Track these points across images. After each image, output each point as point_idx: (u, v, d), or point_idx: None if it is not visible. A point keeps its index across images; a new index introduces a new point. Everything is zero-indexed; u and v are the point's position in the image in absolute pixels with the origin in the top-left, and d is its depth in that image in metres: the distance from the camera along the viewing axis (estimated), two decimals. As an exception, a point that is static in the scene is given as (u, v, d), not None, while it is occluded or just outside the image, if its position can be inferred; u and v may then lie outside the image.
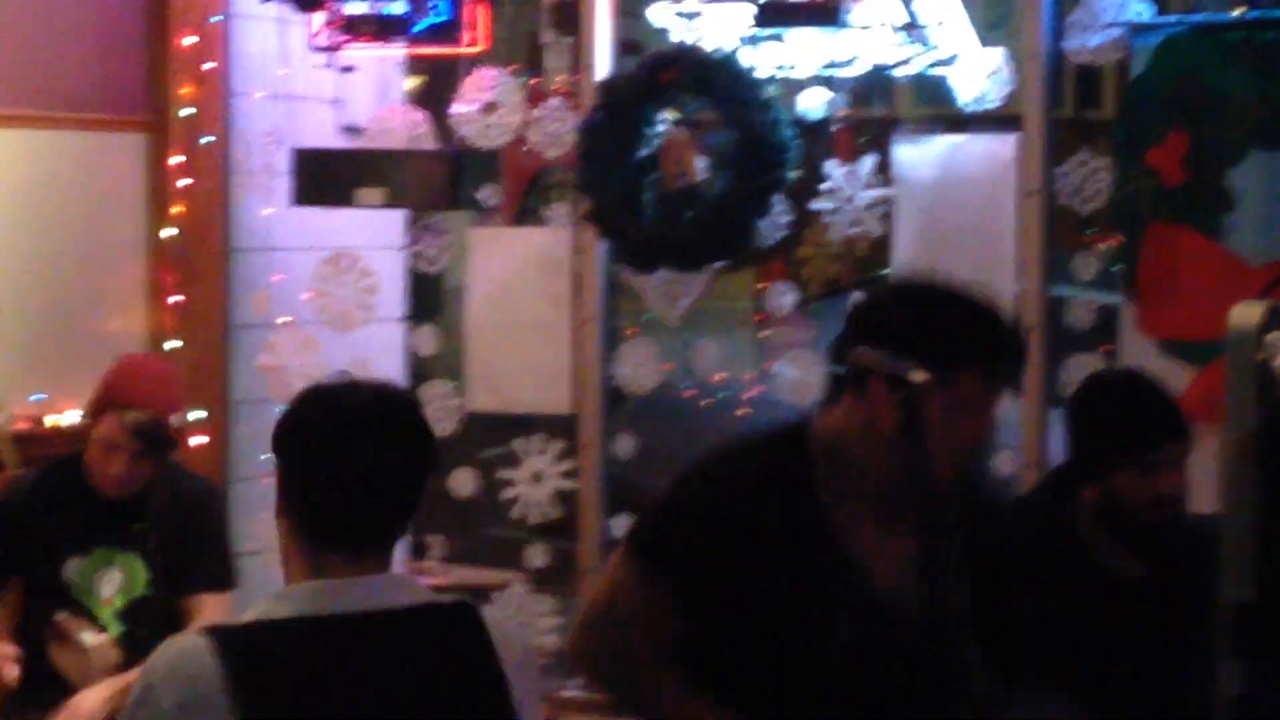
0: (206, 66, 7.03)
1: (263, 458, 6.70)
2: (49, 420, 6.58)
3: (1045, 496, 4.90)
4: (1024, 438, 6.17)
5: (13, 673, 5.23)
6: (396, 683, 3.23)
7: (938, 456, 3.61)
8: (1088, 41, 6.14)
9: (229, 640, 3.19)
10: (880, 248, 6.49)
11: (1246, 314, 3.26)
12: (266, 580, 6.46)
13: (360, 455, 3.21)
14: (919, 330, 3.68)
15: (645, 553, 3.86)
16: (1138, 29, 6.11)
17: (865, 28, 6.32)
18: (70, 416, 6.28)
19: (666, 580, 3.75)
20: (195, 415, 6.76)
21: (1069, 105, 6.18)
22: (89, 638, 5.21)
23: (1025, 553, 4.43)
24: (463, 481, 7.08)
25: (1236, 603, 3.40)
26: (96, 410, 5.41)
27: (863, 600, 3.69)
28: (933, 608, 3.75)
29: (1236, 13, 6.04)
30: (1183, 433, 4.45)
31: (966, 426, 3.60)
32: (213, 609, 5.49)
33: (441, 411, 6.99)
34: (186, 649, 3.21)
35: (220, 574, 5.58)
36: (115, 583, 5.39)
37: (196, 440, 6.83)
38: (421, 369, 7.35)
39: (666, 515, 3.98)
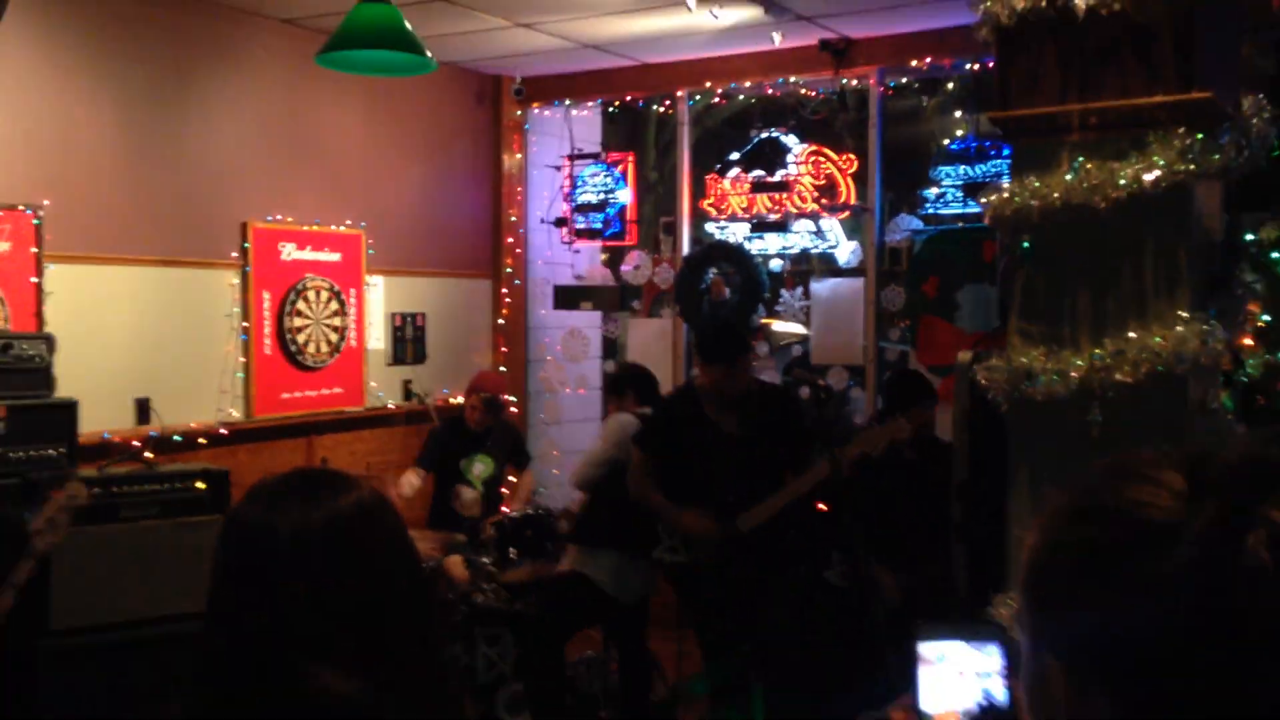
0: (518, 250, 7.16)
1: (541, 416, 7.21)
2: (452, 400, 6.41)
3: (874, 424, 4.81)
4: (866, 405, 6.25)
5: (407, 488, 5.36)
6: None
7: (724, 390, 4.19)
8: (895, 237, 6.25)
9: (640, 417, 4.48)
10: (805, 327, 6.47)
11: (964, 354, 3.35)
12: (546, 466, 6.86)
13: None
14: (701, 344, 4.37)
15: (637, 441, 4.40)
16: (916, 233, 6.23)
17: (798, 233, 6.50)
18: (458, 399, 6.14)
19: (644, 447, 4.34)
20: (512, 399, 6.92)
21: (887, 264, 6.24)
22: (469, 494, 5.37)
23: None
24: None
25: (960, 478, 3.46)
26: (469, 392, 5.59)
27: (716, 438, 4.20)
28: (748, 441, 4.20)
29: (959, 225, 6.08)
30: (933, 397, 4.63)
31: (725, 378, 4.17)
32: (526, 478, 5.77)
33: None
34: (627, 417, 4.69)
35: (526, 462, 5.79)
36: (481, 469, 5.52)
37: (514, 410, 6.83)
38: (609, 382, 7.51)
39: (645, 424, 4.53)
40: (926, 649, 1.34)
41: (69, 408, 4.28)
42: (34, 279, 4.66)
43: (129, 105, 5.11)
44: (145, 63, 5.16)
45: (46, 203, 4.72)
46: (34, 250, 4.66)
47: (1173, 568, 0.73)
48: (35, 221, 4.67)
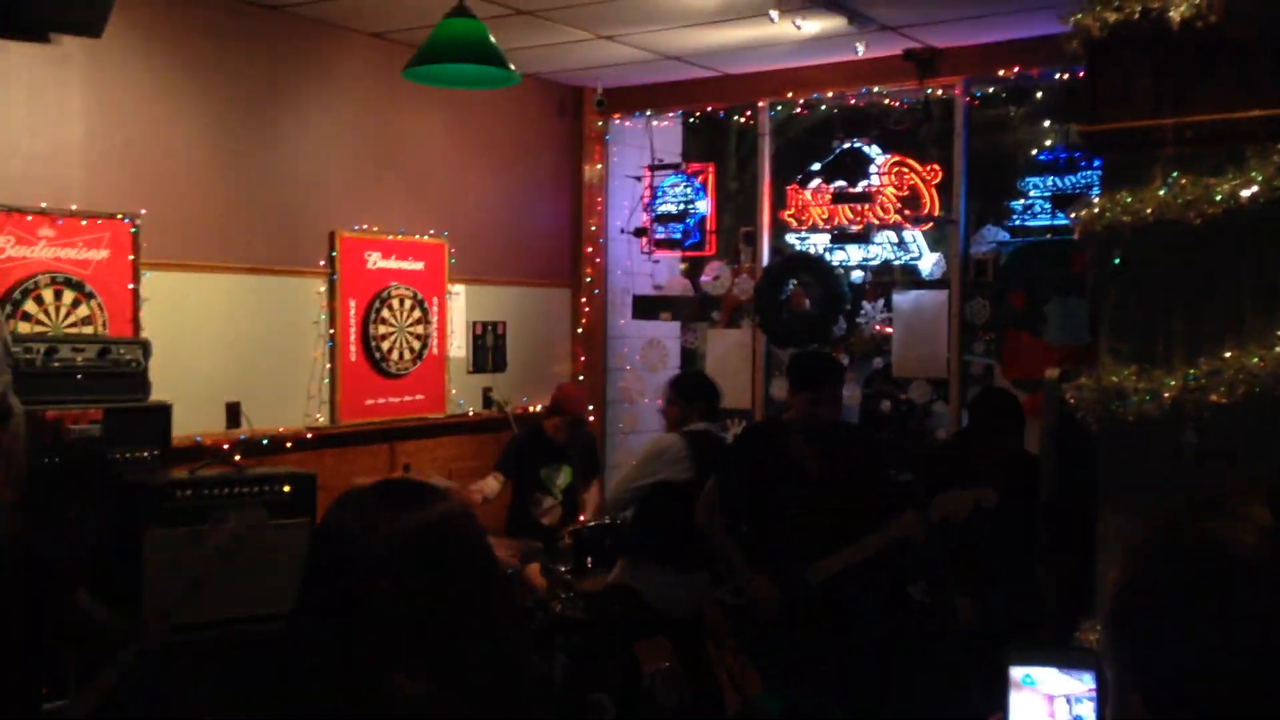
0: (597, 260, 7.20)
1: (619, 425, 7.19)
2: (531, 409, 6.58)
3: (957, 441, 4.95)
4: (950, 420, 6.15)
5: (488, 491, 5.37)
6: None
7: (812, 420, 3.92)
8: (980, 249, 6.16)
9: (686, 434, 4.29)
10: (886, 339, 6.46)
11: (1052, 372, 3.28)
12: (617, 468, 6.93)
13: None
14: (792, 371, 4.14)
15: (712, 469, 4.22)
16: (1003, 244, 6.16)
17: (880, 244, 6.46)
18: (536, 408, 6.45)
19: (717, 476, 4.13)
20: (591, 408, 6.93)
21: (972, 276, 6.08)
22: (549, 502, 5.47)
23: (948, 459, 4.55)
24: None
25: (1046, 498, 3.41)
26: (550, 411, 5.62)
27: (797, 477, 3.96)
28: (833, 480, 4.00)
29: (1048, 236, 6.03)
30: (1021, 420, 4.43)
31: (812, 406, 3.90)
32: (593, 490, 5.76)
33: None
34: (669, 437, 4.57)
35: (595, 473, 5.85)
36: (561, 478, 5.56)
37: (592, 418, 6.84)
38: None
39: (723, 452, 4.38)
40: (1018, 673, 1.33)
41: (163, 411, 4.42)
42: (131, 285, 4.83)
43: (223, 117, 5.26)
44: (239, 76, 5.31)
45: (143, 212, 4.89)
46: (131, 258, 4.83)
47: (1258, 605, 0.73)
48: (133, 230, 4.83)
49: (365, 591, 1.36)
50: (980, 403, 4.80)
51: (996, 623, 3.91)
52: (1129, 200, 2.61)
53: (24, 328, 4.40)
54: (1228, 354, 2.51)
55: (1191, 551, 0.78)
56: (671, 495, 4.50)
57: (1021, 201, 6.15)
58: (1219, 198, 2.50)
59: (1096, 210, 2.67)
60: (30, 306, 4.46)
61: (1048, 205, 6.04)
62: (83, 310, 4.63)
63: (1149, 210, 2.56)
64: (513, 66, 4.17)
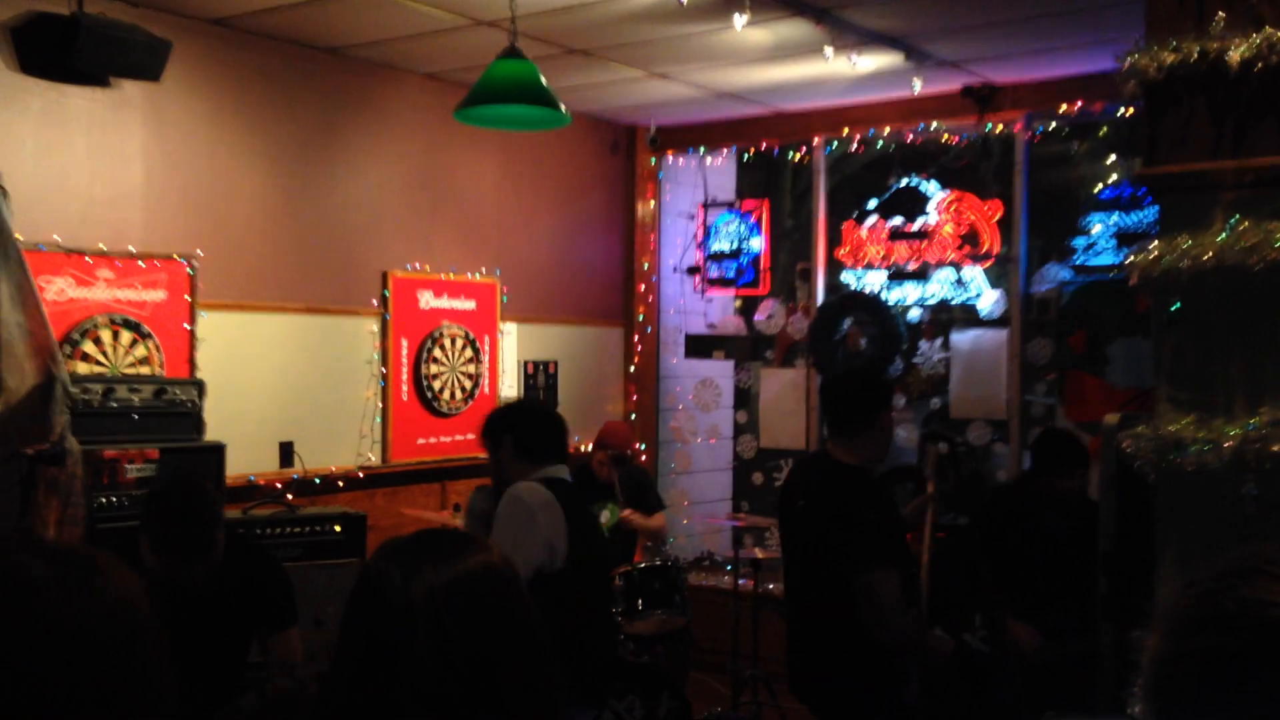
0: (650, 298, 7.23)
1: (672, 465, 7.24)
2: (583, 448, 6.66)
3: (1019, 484, 4.79)
4: (1010, 462, 6.10)
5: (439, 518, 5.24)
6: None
7: (882, 450, 3.56)
8: (1041, 288, 6.12)
9: (550, 484, 3.37)
10: (944, 379, 6.41)
11: (1110, 417, 3.26)
12: (675, 515, 6.89)
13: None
14: (864, 400, 3.63)
15: (883, 560, 3.33)
16: (1064, 284, 6.11)
17: (938, 282, 6.43)
18: (585, 447, 6.26)
19: (891, 562, 3.34)
20: (643, 446, 7.06)
21: (1034, 314, 6.02)
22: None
23: (1009, 502, 4.44)
24: (757, 477, 7.07)
25: (1105, 548, 3.33)
26: (596, 446, 5.64)
27: (901, 522, 3.61)
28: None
29: (1111, 275, 5.98)
30: (1083, 461, 4.35)
31: (888, 427, 3.55)
32: (657, 518, 5.65)
33: (748, 448, 7.11)
34: (534, 487, 3.37)
35: (653, 503, 5.72)
36: (607, 515, 5.52)
37: (644, 458, 6.97)
38: (739, 430, 7.22)
39: (870, 531, 3.37)
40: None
41: (217, 451, 4.51)
42: (187, 326, 4.94)
43: (278, 159, 5.38)
44: (294, 119, 5.44)
45: (200, 253, 5.00)
46: (188, 298, 4.94)
47: None
48: (190, 271, 4.95)
49: (404, 642, 1.37)
50: (1041, 444, 4.71)
51: (1052, 675, 3.83)
52: (1187, 245, 2.58)
53: (83, 368, 4.51)
54: (1291, 403, 2.46)
55: (1232, 618, 0.78)
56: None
57: (1085, 239, 6.11)
58: (1280, 243, 2.46)
59: (1154, 255, 2.65)
60: (89, 347, 4.58)
61: (1112, 243, 6.00)
62: (140, 351, 4.74)
63: (1208, 255, 2.54)
64: (564, 106, 4.22)
